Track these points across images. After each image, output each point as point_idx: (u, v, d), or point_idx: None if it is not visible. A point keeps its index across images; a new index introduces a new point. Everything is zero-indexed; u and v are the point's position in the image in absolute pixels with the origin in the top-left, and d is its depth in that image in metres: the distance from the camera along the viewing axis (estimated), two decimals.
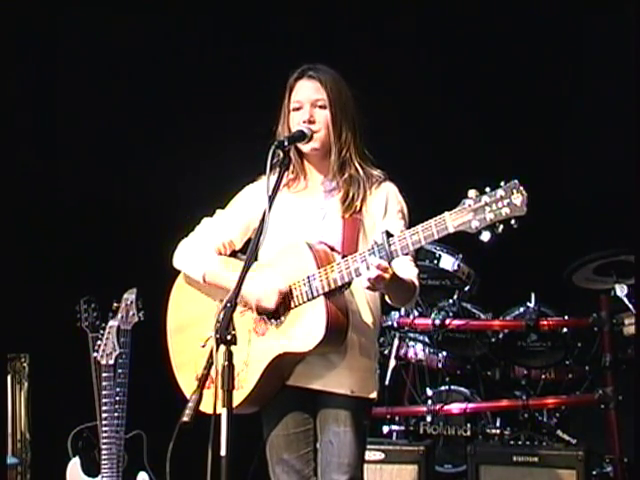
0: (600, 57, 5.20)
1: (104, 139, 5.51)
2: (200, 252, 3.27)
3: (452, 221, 2.83)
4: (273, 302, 3.06)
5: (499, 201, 2.77)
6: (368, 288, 2.96)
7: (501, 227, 2.79)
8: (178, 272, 3.35)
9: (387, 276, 2.90)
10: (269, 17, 5.45)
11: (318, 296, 3.03)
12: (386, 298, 3.16)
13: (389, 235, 2.92)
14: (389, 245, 2.90)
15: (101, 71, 5.51)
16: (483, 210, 2.79)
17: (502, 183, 2.79)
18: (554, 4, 5.25)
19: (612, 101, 5.08)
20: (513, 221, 2.77)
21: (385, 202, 3.21)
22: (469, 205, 2.80)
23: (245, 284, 2.87)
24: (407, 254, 2.97)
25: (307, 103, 3.20)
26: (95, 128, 5.53)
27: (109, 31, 5.45)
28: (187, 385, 3.19)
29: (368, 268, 2.91)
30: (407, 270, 3.11)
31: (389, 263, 2.91)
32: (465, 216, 2.81)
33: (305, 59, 3.29)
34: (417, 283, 3.15)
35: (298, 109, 3.21)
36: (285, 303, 3.08)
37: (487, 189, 2.80)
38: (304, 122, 3.17)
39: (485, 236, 2.80)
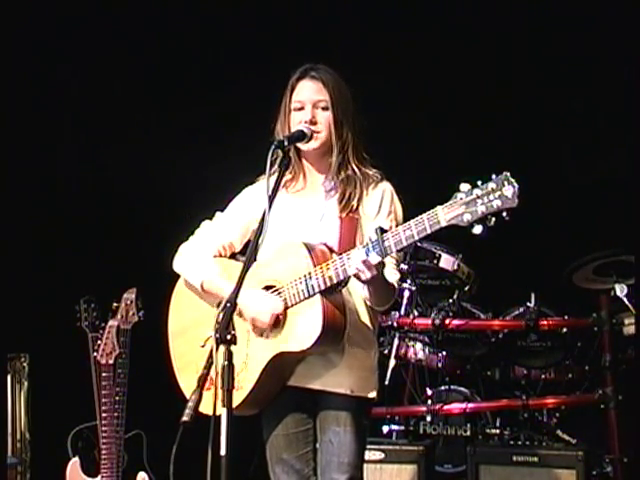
0: (600, 56, 5.19)
1: (104, 139, 5.51)
2: (199, 259, 3.27)
3: (444, 215, 2.83)
4: (266, 323, 3.07)
5: (490, 193, 2.78)
6: (355, 275, 2.95)
7: (493, 220, 2.79)
8: (178, 274, 3.35)
9: (375, 273, 2.92)
10: (270, 17, 5.46)
11: (315, 294, 3.03)
12: (366, 299, 3.15)
13: (383, 231, 2.92)
14: (383, 241, 2.90)
15: (101, 70, 5.51)
16: (475, 203, 2.79)
17: (493, 176, 2.80)
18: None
19: (613, 101, 5.07)
20: (505, 213, 2.78)
21: (380, 202, 3.21)
22: (461, 198, 2.81)
23: (244, 295, 2.88)
24: (401, 250, 2.97)
25: (309, 103, 3.19)
26: (95, 128, 5.52)
27: (112, 23, 5.45)
28: (188, 388, 3.16)
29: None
30: (389, 274, 3.11)
31: (383, 259, 2.92)
32: (457, 209, 2.81)
33: (305, 59, 3.28)
34: (397, 287, 3.17)
35: (300, 109, 3.21)
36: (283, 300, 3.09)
37: (479, 182, 2.81)
38: (305, 122, 3.17)
39: (477, 229, 2.80)
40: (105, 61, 5.51)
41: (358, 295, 3.15)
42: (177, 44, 5.52)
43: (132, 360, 4.63)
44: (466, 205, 2.80)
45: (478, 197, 2.79)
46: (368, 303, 3.16)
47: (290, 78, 3.25)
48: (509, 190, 2.76)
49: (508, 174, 2.78)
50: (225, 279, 3.13)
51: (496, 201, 2.77)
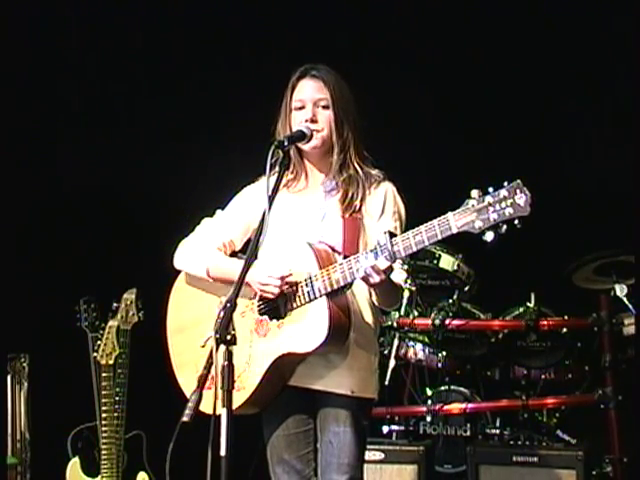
0: (600, 58, 5.19)
1: (104, 139, 5.51)
2: (201, 249, 3.27)
3: (455, 221, 2.82)
4: (276, 289, 3.04)
5: (502, 201, 2.77)
6: (363, 279, 2.95)
7: (504, 227, 2.79)
8: (178, 272, 3.35)
9: (383, 277, 2.91)
10: (270, 17, 5.45)
11: (320, 297, 3.02)
12: (373, 299, 3.15)
13: (392, 235, 2.92)
14: (392, 245, 2.90)
15: (100, 71, 5.51)
16: (487, 210, 2.79)
17: (505, 183, 2.80)
18: None
19: (612, 101, 5.07)
20: (517, 221, 2.77)
21: (383, 202, 3.21)
22: (472, 205, 2.80)
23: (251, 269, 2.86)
24: (411, 255, 2.97)
25: (310, 102, 3.20)
26: (95, 128, 5.52)
27: (111, 26, 5.45)
28: (188, 386, 3.19)
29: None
30: (396, 274, 3.11)
31: (392, 263, 2.92)
32: (468, 216, 2.81)
33: (305, 59, 3.28)
34: (404, 286, 3.16)
35: (300, 108, 3.21)
36: (287, 302, 3.08)
37: (490, 189, 2.80)
38: (306, 121, 3.17)
39: (489, 236, 2.80)
40: (104, 60, 5.51)
41: (362, 297, 3.15)
42: (176, 43, 5.51)
43: (132, 360, 4.63)
44: (478, 212, 2.79)
45: (490, 204, 2.78)
46: (376, 304, 3.16)
47: (291, 78, 3.26)
48: (521, 198, 2.76)
49: (520, 182, 2.78)
50: (232, 260, 3.10)
51: (508, 209, 2.77)
